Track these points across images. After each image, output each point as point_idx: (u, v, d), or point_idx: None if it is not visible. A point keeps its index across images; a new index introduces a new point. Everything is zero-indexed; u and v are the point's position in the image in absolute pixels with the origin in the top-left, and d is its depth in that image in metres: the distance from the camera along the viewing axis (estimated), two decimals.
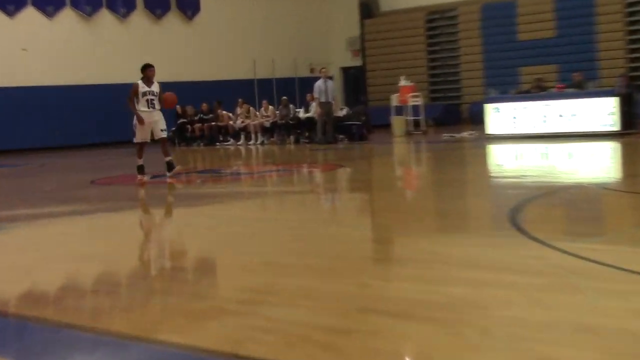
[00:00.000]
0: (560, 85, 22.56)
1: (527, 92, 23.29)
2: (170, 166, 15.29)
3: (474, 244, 7.46)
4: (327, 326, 4.82)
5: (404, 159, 20.00)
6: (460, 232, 8.28)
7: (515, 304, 5.10)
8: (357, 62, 35.79)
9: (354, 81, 36.20)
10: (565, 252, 6.59)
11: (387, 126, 26.90)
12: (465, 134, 24.07)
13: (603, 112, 20.12)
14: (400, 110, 27.02)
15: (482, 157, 18.44)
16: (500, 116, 22.19)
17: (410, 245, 7.70)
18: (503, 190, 11.98)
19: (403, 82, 26.95)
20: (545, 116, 21.23)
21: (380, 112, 28.59)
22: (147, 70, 15.05)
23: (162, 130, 15.21)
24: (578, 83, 22.21)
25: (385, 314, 5.03)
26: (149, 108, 14.90)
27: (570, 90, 21.78)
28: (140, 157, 15.12)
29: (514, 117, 21.88)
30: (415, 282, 5.92)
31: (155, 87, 15.06)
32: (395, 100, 26.98)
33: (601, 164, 15.91)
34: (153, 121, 15.04)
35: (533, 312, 4.91)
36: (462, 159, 18.42)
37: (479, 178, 14.29)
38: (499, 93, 23.65)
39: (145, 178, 15.12)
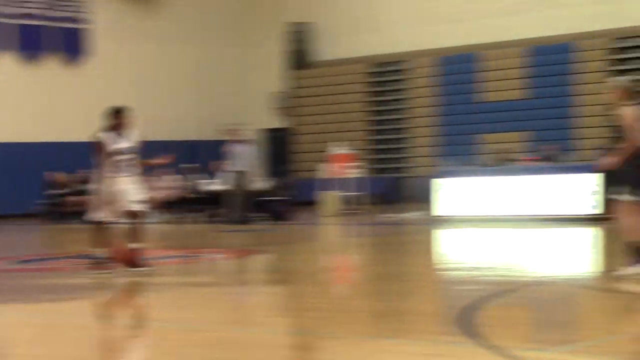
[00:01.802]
0: (529, 158, 22.82)
1: (491, 165, 23.57)
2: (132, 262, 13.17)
3: (417, 352, 7.43)
4: None
5: (333, 246, 19.93)
6: (399, 337, 8.23)
7: None
8: (283, 124, 35.52)
9: (279, 147, 35.86)
10: None
11: (314, 204, 26.92)
12: (408, 215, 24.09)
13: (582, 191, 20.27)
14: (331, 185, 26.95)
15: (428, 245, 18.49)
16: (453, 193, 22.26)
17: (338, 353, 7.61)
18: (453, 287, 12.04)
19: (337, 150, 26.90)
20: (509, 195, 21.45)
21: (310, 186, 28.36)
22: (118, 117, 13.19)
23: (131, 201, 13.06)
24: (551, 156, 22.51)
25: None
26: (119, 173, 13.00)
27: (542, 164, 22.01)
28: (99, 244, 13.26)
29: (471, 195, 22.00)
30: None
31: (131, 142, 13.18)
32: (326, 171, 26.95)
33: (576, 255, 16.13)
34: (121, 190, 13.03)
35: None
36: (404, 246, 18.40)
37: (423, 271, 14.30)
38: (455, 165, 23.70)
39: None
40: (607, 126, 28.37)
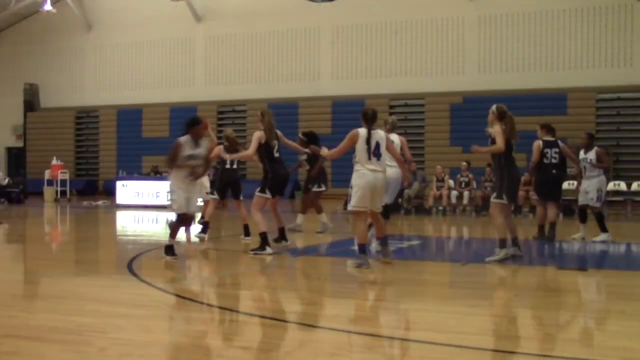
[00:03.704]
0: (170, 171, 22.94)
1: (147, 174, 23.51)
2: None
3: (100, 284, 7.34)
4: None
5: (52, 220, 18.98)
6: (90, 275, 8.07)
7: (126, 329, 5.09)
8: (20, 144, 33.70)
9: (17, 158, 33.98)
10: (164, 290, 6.72)
11: (41, 193, 25.79)
12: (100, 203, 23.56)
13: None
14: (51, 182, 26.17)
15: (111, 221, 18.09)
16: (126, 190, 22.15)
17: (52, 285, 7.38)
18: (125, 246, 11.80)
19: (54, 162, 26.51)
20: (158, 192, 21.54)
21: (37, 183, 27.49)
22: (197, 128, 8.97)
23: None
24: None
25: (26, 338, 4.79)
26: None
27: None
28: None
29: (137, 192, 21.96)
30: (53, 313, 5.69)
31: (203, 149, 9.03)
32: (47, 174, 26.32)
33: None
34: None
35: (139, 334, 4.94)
36: (97, 221, 17.92)
37: (108, 236, 14.03)
38: (127, 174, 23.67)
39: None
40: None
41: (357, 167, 8.18)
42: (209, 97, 29.64)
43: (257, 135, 9.36)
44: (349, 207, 8.44)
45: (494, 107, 8.80)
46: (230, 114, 29.61)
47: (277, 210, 10.21)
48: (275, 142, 9.50)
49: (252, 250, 9.46)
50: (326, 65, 28.06)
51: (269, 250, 9.32)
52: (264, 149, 9.40)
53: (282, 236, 10.21)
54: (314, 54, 28.25)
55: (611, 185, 19.44)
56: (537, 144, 11.45)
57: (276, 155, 9.49)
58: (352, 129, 8.31)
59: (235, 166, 11.41)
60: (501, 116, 8.68)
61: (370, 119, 8.25)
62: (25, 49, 33.19)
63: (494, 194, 8.82)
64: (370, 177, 8.13)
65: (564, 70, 24.58)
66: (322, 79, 28.12)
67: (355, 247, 8.60)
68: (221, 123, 29.40)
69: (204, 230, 11.37)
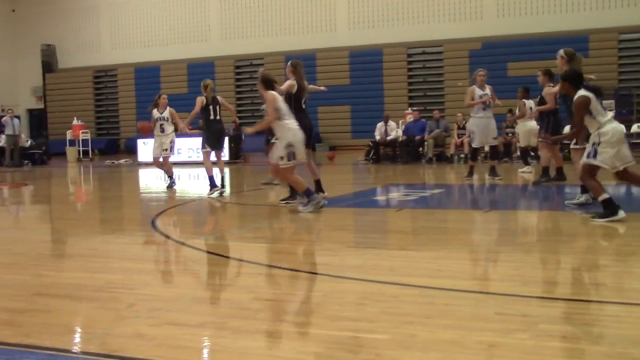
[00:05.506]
0: (191, 128, 22.91)
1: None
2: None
3: (125, 242, 7.39)
4: (6, 308, 4.51)
5: (75, 180, 19.15)
6: (116, 233, 8.10)
7: (153, 285, 5.13)
8: (40, 106, 33.87)
9: (38, 120, 34.19)
10: (188, 245, 6.75)
11: (64, 154, 25.96)
12: (122, 161, 23.70)
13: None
14: (73, 143, 26.29)
15: (134, 179, 18.21)
16: (148, 148, 22.14)
17: (78, 244, 7.44)
18: (148, 203, 11.88)
19: (75, 122, 26.58)
20: (180, 149, 21.53)
21: (59, 144, 27.69)
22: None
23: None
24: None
25: (56, 296, 4.83)
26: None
27: (195, 131, 22.17)
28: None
29: None
30: (81, 271, 5.73)
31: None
32: (69, 135, 26.40)
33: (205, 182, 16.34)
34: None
35: (165, 290, 4.98)
36: (120, 180, 18.04)
37: (131, 194, 14.12)
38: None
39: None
40: None
41: (285, 122, 8.68)
42: (226, 52, 29.45)
43: (289, 84, 9.56)
44: (284, 163, 8.76)
45: (561, 51, 8.89)
46: (248, 68, 29.40)
47: (312, 162, 10.17)
48: (305, 94, 9.72)
49: (282, 199, 9.88)
50: (342, 16, 27.68)
51: (298, 199, 9.62)
52: (294, 99, 9.52)
53: (318, 188, 10.05)
54: (330, 4, 27.86)
55: (635, 127, 19.16)
56: (555, 90, 11.30)
57: (303, 106, 9.68)
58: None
59: (219, 117, 11.74)
60: (570, 59, 8.72)
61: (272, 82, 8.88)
62: (41, 10, 33.11)
63: (573, 142, 8.80)
64: (298, 130, 8.78)
65: (584, 11, 24.06)
66: (338, 29, 27.77)
67: (302, 206, 8.99)
68: (239, 77, 29.26)
69: (213, 185, 11.42)
